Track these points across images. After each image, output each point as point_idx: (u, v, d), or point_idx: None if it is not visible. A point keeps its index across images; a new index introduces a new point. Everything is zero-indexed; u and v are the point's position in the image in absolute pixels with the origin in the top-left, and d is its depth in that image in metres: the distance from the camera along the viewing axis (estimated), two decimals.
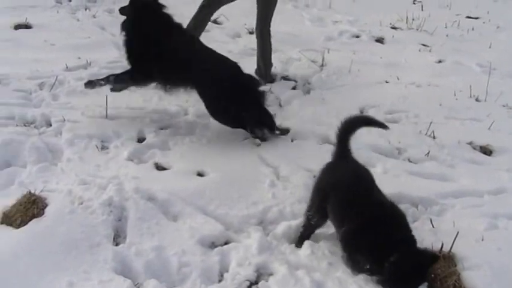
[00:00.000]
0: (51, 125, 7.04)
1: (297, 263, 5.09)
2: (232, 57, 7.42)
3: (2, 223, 5.29)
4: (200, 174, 6.28)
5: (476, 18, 14.25)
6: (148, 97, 7.89)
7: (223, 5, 8.77)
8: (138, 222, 5.30)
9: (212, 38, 10.11)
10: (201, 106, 7.43)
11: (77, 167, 6.20)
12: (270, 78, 8.87)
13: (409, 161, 7.01)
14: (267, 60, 8.92)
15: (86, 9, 11.74)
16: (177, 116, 7.50)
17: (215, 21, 11.33)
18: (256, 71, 8.86)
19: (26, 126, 6.99)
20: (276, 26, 9.41)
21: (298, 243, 5.34)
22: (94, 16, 11.36)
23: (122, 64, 8.75)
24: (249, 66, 8.78)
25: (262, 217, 5.66)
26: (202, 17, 8.74)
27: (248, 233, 5.43)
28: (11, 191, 5.78)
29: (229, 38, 10.87)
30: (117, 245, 5.14)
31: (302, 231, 5.37)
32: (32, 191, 5.48)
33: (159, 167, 6.40)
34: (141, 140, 6.94)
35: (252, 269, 4.98)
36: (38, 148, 6.42)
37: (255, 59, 9.00)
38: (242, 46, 9.42)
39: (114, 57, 9.20)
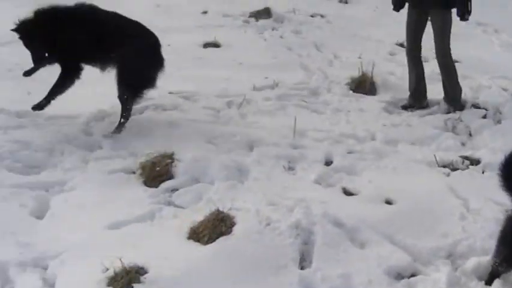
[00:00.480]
0: (238, 144, 7.12)
1: None
2: None
3: (189, 238, 5.36)
4: (388, 202, 6.09)
5: None
6: (335, 120, 7.85)
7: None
8: (324, 248, 5.20)
9: (399, 62, 9.99)
10: (389, 131, 7.33)
11: (264, 187, 6.19)
12: (460, 105, 8.57)
13: None
14: (453, 86, 8.61)
15: (272, 30, 11.83)
16: (365, 141, 7.37)
17: (401, 45, 11.16)
18: (445, 98, 8.62)
19: (214, 143, 7.10)
20: (465, 51, 9.17)
21: (488, 281, 5.04)
22: (281, 36, 11.44)
23: (309, 86, 8.86)
24: (437, 91, 8.58)
25: (451, 250, 5.40)
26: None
27: (436, 266, 5.20)
28: (199, 207, 5.86)
29: None
30: (302, 268, 5.05)
31: (492, 270, 5.09)
32: (220, 209, 5.51)
33: (347, 192, 6.28)
34: (328, 162, 6.84)
35: None
36: (226, 166, 6.48)
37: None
38: (430, 71, 9.18)
39: (301, 78, 9.23)
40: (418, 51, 8.63)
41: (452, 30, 8.31)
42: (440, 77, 8.71)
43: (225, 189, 6.13)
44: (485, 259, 5.21)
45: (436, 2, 8.13)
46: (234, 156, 6.79)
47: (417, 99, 8.64)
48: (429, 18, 8.36)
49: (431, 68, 9.21)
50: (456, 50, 8.52)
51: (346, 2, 14.35)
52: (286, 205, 5.68)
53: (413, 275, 5.11)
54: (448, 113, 8.41)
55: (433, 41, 8.41)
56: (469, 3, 8.04)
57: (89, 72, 7.46)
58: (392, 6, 8.55)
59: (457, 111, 8.40)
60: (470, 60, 10.16)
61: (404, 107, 8.59)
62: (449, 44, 8.38)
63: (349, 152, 7.07)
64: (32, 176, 6.52)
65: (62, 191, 6.25)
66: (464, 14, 8.10)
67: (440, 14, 8.21)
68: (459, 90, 8.66)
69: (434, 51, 8.61)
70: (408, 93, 8.72)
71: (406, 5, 8.44)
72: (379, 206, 6.01)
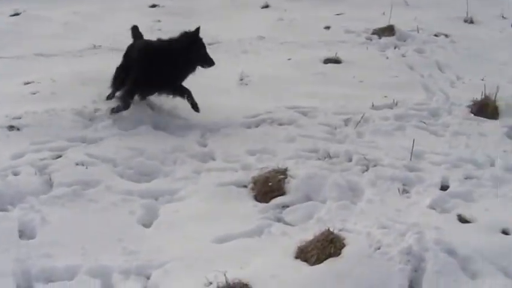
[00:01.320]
0: (353, 163, 7.02)
1: None
2: None
3: (297, 257, 5.29)
4: (505, 232, 5.76)
5: None
6: (454, 143, 7.63)
7: None
8: (435, 276, 4.99)
9: None
10: (510, 158, 7.11)
11: (377, 209, 6.03)
12: None
13: None
14: None
15: (395, 48, 11.62)
16: (483, 167, 7.05)
17: None
18: None
19: (328, 161, 7.02)
20: None
21: None
22: (403, 55, 11.21)
23: (429, 107, 8.63)
24: None
25: None
26: None
27: None
28: (309, 225, 5.81)
29: None
30: None
31: None
32: (331, 229, 5.41)
33: (462, 219, 5.99)
34: (444, 187, 6.60)
35: None
36: (339, 185, 6.38)
37: None
38: None
39: (422, 98, 9.01)
40: None
41: None
42: None
43: (336, 209, 6.04)
44: None
45: None
46: (348, 175, 6.68)
47: None
48: None
49: None
50: None
51: (472, 22, 13.90)
52: (399, 229, 5.50)
53: None
54: None
55: None
56: None
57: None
58: None
59: None
60: None
61: None
62: None
63: (467, 178, 6.79)
64: (143, 183, 6.65)
65: (171, 201, 6.36)
66: None
67: None
68: None
69: None
70: None
71: None
72: (495, 235, 5.70)
